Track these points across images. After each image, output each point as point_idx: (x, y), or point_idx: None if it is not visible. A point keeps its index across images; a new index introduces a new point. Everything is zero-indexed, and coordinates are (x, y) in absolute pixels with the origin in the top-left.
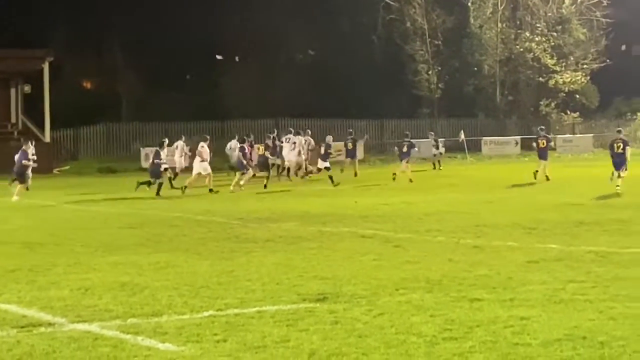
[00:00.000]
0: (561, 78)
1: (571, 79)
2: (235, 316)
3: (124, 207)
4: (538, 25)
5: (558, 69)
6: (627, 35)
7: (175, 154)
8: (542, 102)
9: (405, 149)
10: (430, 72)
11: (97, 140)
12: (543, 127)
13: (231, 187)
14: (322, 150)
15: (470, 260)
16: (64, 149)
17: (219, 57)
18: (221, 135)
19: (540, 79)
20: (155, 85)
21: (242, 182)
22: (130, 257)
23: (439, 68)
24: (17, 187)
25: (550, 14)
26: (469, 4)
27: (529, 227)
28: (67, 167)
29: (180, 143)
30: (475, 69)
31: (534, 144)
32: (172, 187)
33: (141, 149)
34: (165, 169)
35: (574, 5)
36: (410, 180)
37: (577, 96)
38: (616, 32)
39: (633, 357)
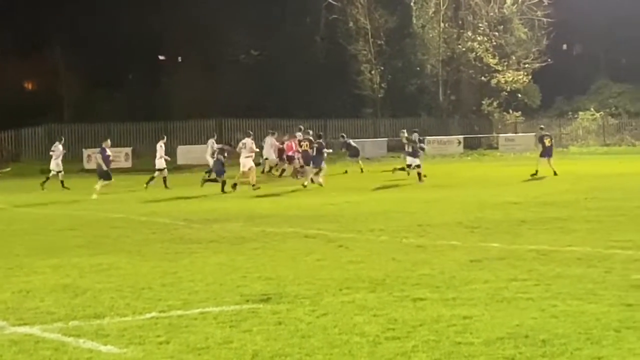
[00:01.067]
0: (503, 77)
1: (513, 79)
2: (178, 318)
3: (65, 209)
4: (480, 25)
5: (500, 68)
6: (568, 34)
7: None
8: (484, 102)
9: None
10: (373, 72)
11: (38, 142)
12: (543, 125)
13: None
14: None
15: (414, 259)
16: (5, 150)
17: (161, 57)
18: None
19: (483, 78)
20: (97, 86)
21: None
22: (72, 259)
23: (382, 68)
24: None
25: (492, 14)
26: (412, 3)
27: (471, 226)
28: (8, 169)
29: (211, 141)
30: (418, 68)
31: (539, 144)
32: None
33: (84, 150)
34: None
35: (516, 5)
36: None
37: (519, 95)
38: (557, 32)
39: (574, 354)
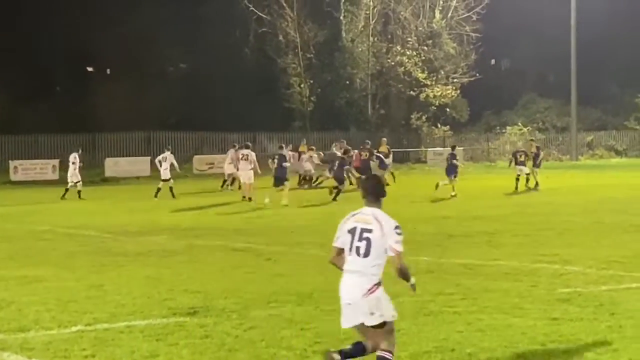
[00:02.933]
0: (432, 92)
1: (442, 93)
2: (104, 331)
3: None
4: (409, 39)
5: (429, 82)
6: (496, 49)
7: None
8: (413, 116)
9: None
10: (302, 85)
11: None
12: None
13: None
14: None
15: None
16: None
17: (89, 68)
18: (92, 148)
19: (412, 92)
20: (24, 98)
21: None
22: None
23: (311, 81)
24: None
25: (421, 28)
26: (341, 17)
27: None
28: None
29: (231, 151)
30: (347, 82)
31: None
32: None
33: (10, 161)
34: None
35: (444, 20)
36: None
37: (448, 110)
38: (485, 47)
39: None
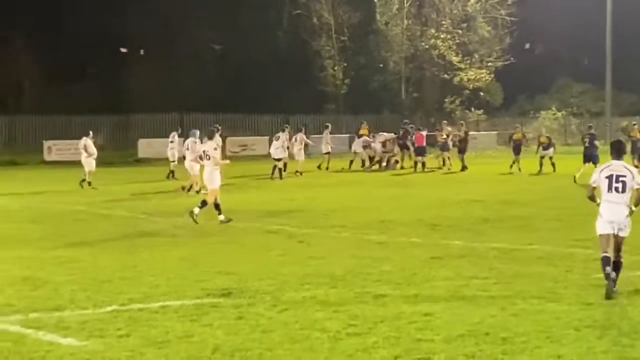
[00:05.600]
0: (466, 75)
1: (475, 77)
2: (138, 311)
3: (27, 201)
4: (443, 22)
5: (463, 66)
6: (531, 34)
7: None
8: (446, 99)
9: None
10: (336, 68)
11: None
12: (518, 125)
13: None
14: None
15: (375, 256)
16: None
17: (123, 50)
18: (125, 129)
19: (445, 76)
20: (58, 77)
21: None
22: (33, 251)
23: (345, 64)
24: None
25: (455, 12)
26: (376, 0)
27: (432, 223)
28: None
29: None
30: (381, 65)
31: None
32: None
33: (44, 141)
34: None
35: (479, 3)
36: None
37: (482, 94)
38: (520, 31)
39: (534, 352)
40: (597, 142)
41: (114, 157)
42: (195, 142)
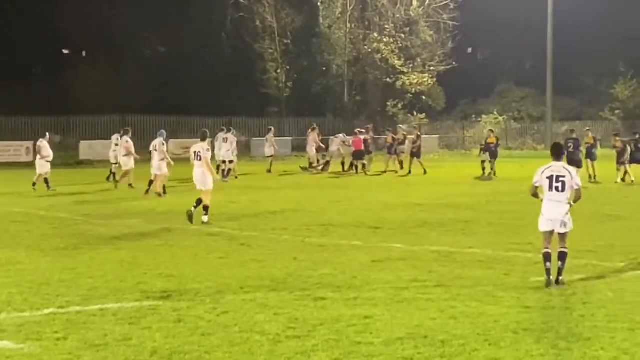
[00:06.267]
0: (408, 79)
1: (418, 81)
2: (76, 314)
3: None
4: (386, 26)
5: (405, 70)
6: (473, 38)
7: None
8: (389, 103)
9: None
10: (279, 71)
11: None
12: (492, 130)
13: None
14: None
15: (315, 259)
16: None
17: (65, 51)
18: (66, 130)
19: (388, 79)
20: (2, 78)
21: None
22: None
23: (288, 67)
24: None
25: (398, 16)
26: (319, 3)
27: (374, 226)
28: None
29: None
30: (324, 68)
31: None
32: None
33: None
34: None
35: (422, 8)
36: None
37: (424, 97)
38: (462, 36)
39: (472, 355)
40: (581, 148)
41: (55, 158)
42: (163, 144)
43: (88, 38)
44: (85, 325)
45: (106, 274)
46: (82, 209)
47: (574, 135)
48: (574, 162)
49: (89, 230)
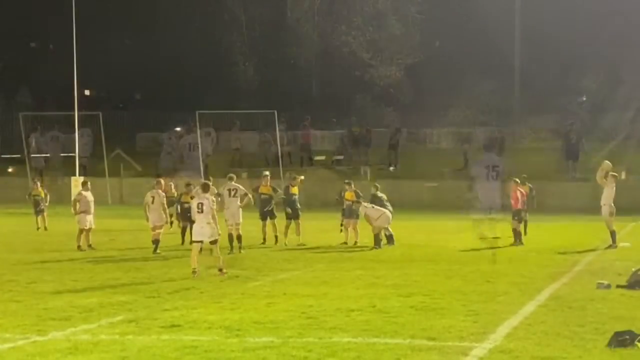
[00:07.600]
0: (376, 72)
1: (386, 74)
2: None
3: None
4: (354, 19)
5: (373, 63)
6: (441, 32)
7: None
8: (357, 96)
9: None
10: (247, 64)
11: None
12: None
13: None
14: None
15: None
16: None
17: (32, 44)
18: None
19: (357, 72)
20: None
21: None
22: None
23: (256, 60)
24: None
25: (366, 9)
26: None
27: None
28: None
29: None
30: (292, 61)
31: None
32: None
33: None
34: None
35: (390, 1)
36: None
37: (392, 90)
38: (431, 29)
39: None
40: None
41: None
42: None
43: (56, 31)
44: None
45: None
46: None
47: None
48: None
49: None
